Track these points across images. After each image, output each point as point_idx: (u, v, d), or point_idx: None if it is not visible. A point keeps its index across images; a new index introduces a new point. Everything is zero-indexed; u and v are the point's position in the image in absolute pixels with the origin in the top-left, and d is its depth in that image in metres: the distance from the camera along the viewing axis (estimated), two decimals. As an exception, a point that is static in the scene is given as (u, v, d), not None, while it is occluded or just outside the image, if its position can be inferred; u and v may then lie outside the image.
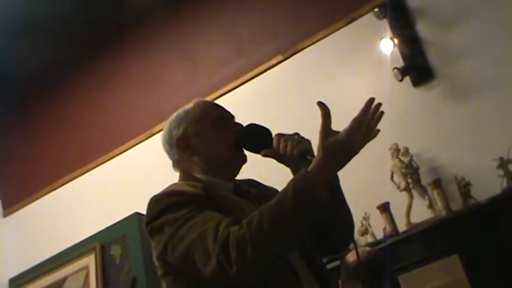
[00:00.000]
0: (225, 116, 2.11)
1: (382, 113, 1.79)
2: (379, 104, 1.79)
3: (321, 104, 1.81)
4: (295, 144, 1.84)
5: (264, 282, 1.73)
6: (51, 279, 5.10)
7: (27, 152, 5.95)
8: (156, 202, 1.88)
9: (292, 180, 1.73)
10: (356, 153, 1.76)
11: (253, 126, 2.03)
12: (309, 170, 1.72)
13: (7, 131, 6.01)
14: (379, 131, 1.78)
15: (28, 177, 5.90)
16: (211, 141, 2.04)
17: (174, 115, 2.15)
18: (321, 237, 1.98)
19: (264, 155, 1.94)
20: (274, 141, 1.92)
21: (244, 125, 2.07)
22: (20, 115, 6.02)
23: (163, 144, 2.15)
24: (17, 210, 5.89)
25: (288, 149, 1.84)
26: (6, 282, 5.49)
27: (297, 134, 1.88)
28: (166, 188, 1.94)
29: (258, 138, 1.95)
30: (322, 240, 1.99)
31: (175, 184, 2.00)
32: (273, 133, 1.96)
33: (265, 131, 1.99)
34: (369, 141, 1.77)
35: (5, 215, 5.94)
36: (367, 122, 1.76)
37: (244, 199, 1.95)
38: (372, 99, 1.79)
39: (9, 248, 5.76)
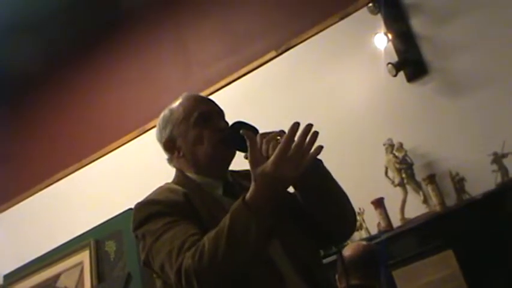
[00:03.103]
0: (209, 113, 2.09)
1: (316, 133, 1.71)
2: (310, 126, 1.71)
3: (247, 133, 1.77)
4: (276, 145, 1.77)
5: (245, 285, 1.74)
6: (46, 275, 5.10)
7: (21, 148, 5.94)
8: (138, 211, 1.94)
9: (230, 210, 1.72)
10: (292, 179, 1.73)
11: (238, 126, 1.98)
12: (246, 199, 1.70)
13: (0, 127, 6.00)
14: (321, 147, 1.71)
15: (22, 173, 5.89)
16: (194, 142, 2.04)
17: (161, 115, 2.16)
18: (318, 231, 1.98)
19: (247, 158, 1.91)
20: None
21: (234, 121, 2.04)
22: (13, 112, 6.01)
23: (158, 142, 2.16)
24: (11, 206, 5.89)
25: (270, 152, 1.78)
26: (1, 278, 5.48)
27: (282, 131, 1.82)
28: (150, 194, 1.99)
29: (242, 138, 1.85)
30: (319, 233, 1.99)
31: (159, 189, 2.03)
32: (271, 129, 1.91)
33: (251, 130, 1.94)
34: (307, 165, 1.71)
35: (-1, 211, 5.94)
36: (296, 148, 1.69)
37: (232, 198, 1.94)
38: (295, 124, 1.70)
39: (3, 244, 5.76)
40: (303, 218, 1.98)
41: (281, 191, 1.75)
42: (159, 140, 2.15)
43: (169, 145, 2.10)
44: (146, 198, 1.97)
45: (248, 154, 1.74)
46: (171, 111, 2.13)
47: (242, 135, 1.82)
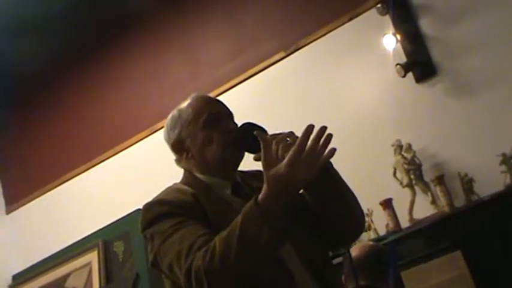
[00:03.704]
0: (218, 114, 2.09)
1: (330, 135, 1.71)
2: (324, 128, 1.71)
3: (261, 134, 1.77)
4: (286, 147, 1.78)
5: (256, 286, 1.75)
6: (55, 276, 5.12)
7: (30, 149, 5.96)
8: (146, 212, 1.94)
9: (242, 211, 1.72)
10: (304, 182, 1.73)
11: (247, 127, 1.99)
12: (258, 201, 1.70)
13: (9, 128, 6.01)
14: (334, 150, 1.71)
15: (31, 174, 5.91)
16: (203, 143, 2.04)
17: (170, 115, 2.16)
18: (326, 231, 1.98)
19: (256, 160, 1.89)
20: None
21: (243, 122, 2.04)
22: (22, 112, 6.03)
23: (166, 143, 2.16)
24: (20, 207, 5.90)
25: (280, 153, 1.77)
26: (10, 278, 5.50)
27: (291, 133, 1.83)
28: (158, 195, 2.00)
29: (252, 140, 1.87)
30: (327, 234, 2.00)
31: (167, 189, 2.03)
32: (280, 130, 1.90)
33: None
34: (320, 167, 1.72)
35: (8, 211, 5.95)
36: (309, 150, 1.69)
37: (241, 198, 1.94)
38: (310, 126, 1.70)
39: (12, 244, 5.77)
40: (312, 219, 1.98)
41: (293, 193, 1.75)
42: (167, 141, 2.14)
43: (178, 146, 2.10)
44: (155, 198, 1.97)
45: (262, 156, 1.73)
46: (180, 112, 2.12)
47: (252, 136, 1.83)
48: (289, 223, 1.78)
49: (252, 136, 1.86)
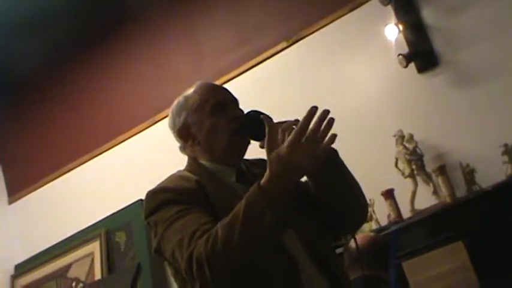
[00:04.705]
0: (224, 102, 2.09)
1: (332, 120, 1.71)
2: (327, 112, 1.71)
3: (267, 119, 1.79)
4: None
5: (258, 278, 1.76)
6: (57, 266, 5.15)
7: (32, 139, 5.96)
8: (150, 199, 1.95)
9: (245, 195, 1.73)
10: (306, 167, 1.73)
11: (253, 114, 2.00)
12: (261, 184, 1.70)
13: (11, 119, 6.02)
14: (335, 136, 1.72)
15: (33, 164, 5.91)
16: (209, 130, 2.04)
17: (175, 102, 2.16)
18: (329, 220, 1.99)
19: (262, 147, 1.88)
20: None
21: (249, 110, 2.05)
22: (24, 103, 6.02)
23: (171, 130, 2.16)
24: (23, 197, 5.90)
25: (285, 140, 1.77)
26: (12, 268, 5.52)
27: (297, 120, 1.82)
28: (162, 182, 2.00)
29: (258, 127, 1.88)
30: (330, 223, 2.00)
31: (171, 177, 2.03)
32: (280, 120, 1.91)
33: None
34: (322, 154, 1.72)
35: (11, 202, 5.96)
36: (311, 133, 1.69)
37: (246, 186, 1.95)
38: (313, 108, 1.70)
39: (14, 234, 5.78)
40: (316, 208, 1.99)
41: (295, 175, 1.75)
42: (172, 128, 2.14)
43: (184, 132, 2.09)
44: (158, 185, 1.98)
45: (266, 140, 1.74)
46: (186, 98, 2.12)
47: (258, 123, 1.84)
48: (292, 211, 1.78)
49: (258, 123, 1.87)
